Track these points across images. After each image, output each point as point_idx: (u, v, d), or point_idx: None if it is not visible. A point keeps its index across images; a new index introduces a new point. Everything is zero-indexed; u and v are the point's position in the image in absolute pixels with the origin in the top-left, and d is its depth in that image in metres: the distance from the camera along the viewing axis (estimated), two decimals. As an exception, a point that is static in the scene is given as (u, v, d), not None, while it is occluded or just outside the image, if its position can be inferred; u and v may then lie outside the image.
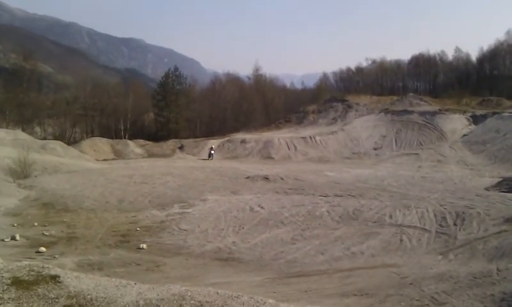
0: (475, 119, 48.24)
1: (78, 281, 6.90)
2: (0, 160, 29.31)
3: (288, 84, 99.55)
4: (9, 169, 27.96)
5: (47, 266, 7.48)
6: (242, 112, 68.65)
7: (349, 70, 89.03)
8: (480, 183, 26.78)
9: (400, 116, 51.75)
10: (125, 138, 57.82)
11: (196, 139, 55.30)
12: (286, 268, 12.79)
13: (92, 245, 14.83)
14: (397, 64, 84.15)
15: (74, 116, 61.47)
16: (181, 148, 50.80)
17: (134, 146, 50.67)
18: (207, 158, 44.77)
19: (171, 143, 53.05)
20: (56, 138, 52.88)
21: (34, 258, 12.26)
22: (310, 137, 49.55)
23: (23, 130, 51.93)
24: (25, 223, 17.51)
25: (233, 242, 15.27)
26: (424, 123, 49.07)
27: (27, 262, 7.81)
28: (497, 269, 11.22)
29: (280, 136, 51.10)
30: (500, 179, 26.33)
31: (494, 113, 48.06)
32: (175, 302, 6.27)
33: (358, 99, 64.62)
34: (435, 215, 17.38)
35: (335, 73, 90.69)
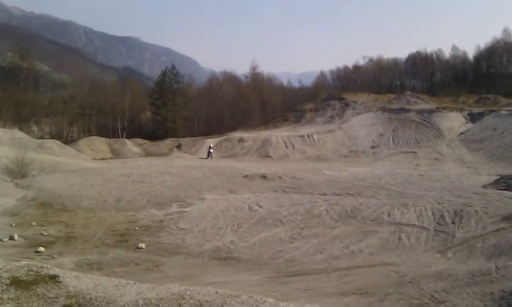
0: (472, 117, 48.33)
1: (77, 281, 6.89)
2: (-2, 159, 29.21)
3: (285, 83, 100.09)
4: (7, 168, 27.88)
5: (45, 266, 7.46)
6: (240, 111, 68.64)
7: (346, 68, 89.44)
8: (477, 181, 26.84)
9: (398, 114, 51.82)
10: (122, 137, 57.73)
11: (194, 138, 55.25)
12: (285, 267, 12.79)
13: (91, 244, 14.81)
14: (395, 63, 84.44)
15: (71, 115, 61.31)
16: (179, 147, 50.72)
17: (131, 145, 50.59)
18: (206, 157, 44.53)
19: (169, 142, 52.98)
20: (53, 137, 52.74)
21: (32, 258, 12.22)
22: (308, 136, 49.57)
23: (20, 129, 51.70)
24: (24, 223, 17.46)
25: (232, 241, 15.27)
26: (421, 121, 49.15)
27: (25, 262, 7.79)
28: (496, 267, 11.24)
29: (278, 135, 51.10)
30: (498, 177, 26.42)
31: (491, 111, 48.17)
32: (174, 301, 6.26)
33: (356, 97, 64.67)
34: (433, 213, 17.42)
35: (332, 72, 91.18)
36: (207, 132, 61.34)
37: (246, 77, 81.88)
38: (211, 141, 49.62)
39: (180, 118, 65.19)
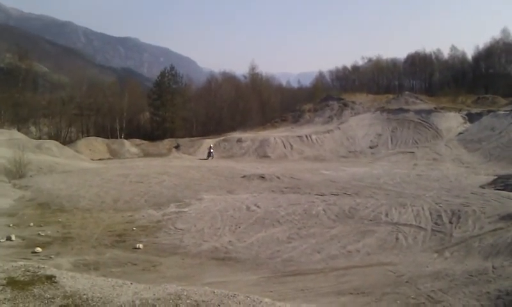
0: (471, 118, 48.40)
1: (74, 281, 6.90)
2: (-4, 160, 29.19)
3: (284, 83, 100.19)
4: (5, 169, 27.84)
5: (42, 266, 7.47)
6: (238, 111, 68.63)
7: (345, 68, 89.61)
8: (475, 181, 26.87)
9: (396, 115, 51.85)
10: (120, 137, 57.73)
11: (192, 139, 55.23)
12: (282, 267, 12.80)
13: (88, 245, 14.80)
14: (393, 63, 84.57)
15: (70, 115, 61.29)
16: (177, 147, 50.69)
17: (129, 146, 50.55)
18: (206, 158, 44.26)
19: (167, 142, 52.96)
20: (51, 138, 52.69)
21: (29, 259, 12.22)
22: (306, 136, 49.58)
23: (18, 129, 51.73)
24: (21, 223, 17.45)
25: (230, 241, 15.27)
26: (419, 121, 49.19)
27: (22, 262, 7.80)
28: (493, 267, 11.27)
29: (276, 135, 51.09)
30: (496, 177, 26.46)
31: (489, 111, 48.24)
32: (171, 301, 6.27)
33: (354, 98, 64.69)
34: (431, 213, 17.44)
35: (331, 72, 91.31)
36: (206, 133, 61.34)
37: (244, 77, 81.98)
38: (210, 142, 49.59)
39: (178, 118, 65.21)
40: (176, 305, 6.19)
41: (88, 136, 55.47)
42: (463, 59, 77.18)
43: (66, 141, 52.78)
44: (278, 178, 27.79)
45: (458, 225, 15.83)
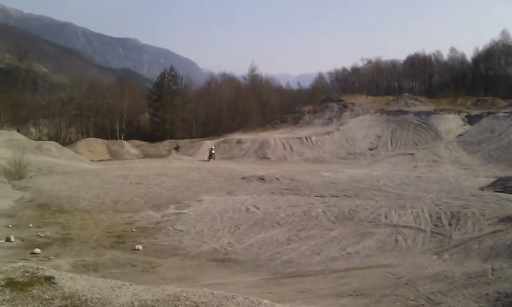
0: (470, 119, 48.42)
1: (73, 282, 6.90)
2: (-5, 161, 29.17)
3: (284, 85, 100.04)
4: (4, 170, 27.84)
5: (41, 267, 7.47)
6: (238, 113, 68.64)
7: (344, 70, 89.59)
8: (475, 183, 26.88)
9: (396, 116, 51.88)
10: (120, 138, 57.68)
11: (192, 140, 55.19)
12: (281, 269, 12.80)
13: (87, 246, 14.79)
14: (393, 65, 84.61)
15: (69, 116, 61.26)
16: (177, 148, 50.64)
17: (129, 147, 50.53)
18: (207, 159, 43.60)
19: (167, 144, 52.95)
20: (51, 139, 52.65)
21: (29, 259, 12.21)
22: (306, 138, 49.58)
23: (18, 130, 51.72)
24: (20, 224, 17.45)
25: (229, 243, 15.27)
26: (419, 123, 49.22)
27: (21, 263, 7.79)
28: (492, 269, 11.28)
29: (276, 136, 51.09)
30: (495, 179, 26.45)
31: (489, 113, 48.28)
32: (170, 302, 6.27)
33: (354, 99, 64.68)
34: (430, 215, 17.44)
35: (330, 74, 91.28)
36: (205, 134, 61.31)
37: (244, 78, 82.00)
38: (209, 143, 49.56)
39: (178, 119, 65.18)
40: (175, 306, 6.18)
41: (88, 137, 55.43)
42: (462, 60, 77.24)
43: (66, 142, 52.74)
44: (278, 179, 27.79)
45: (457, 227, 15.83)
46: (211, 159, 43.32)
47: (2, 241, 14.57)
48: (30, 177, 28.28)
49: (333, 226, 16.93)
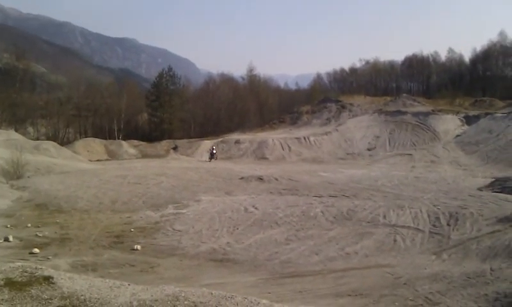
0: (468, 120, 48.52)
1: (71, 282, 6.88)
2: (-7, 160, 29.11)
3: (282, 85, 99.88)
4: (2, 169, 27.79)
5: (40, 267, 7.45)
6: (236, 113, 68.64)
7: (343, 70, 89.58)
8: (473, 183, 26.92)
9: (394, 117, 51.96)
10: (118, 138, 57.63)
11: (190, 140, 55.17)
12: (280, 269, 12.80)
13: (86, 246, 14.77)
14: (391, 65, 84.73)
15: (67, 116, 61.11)
16: (175, 148, 50.63)
17: (127, 147, 50.48)
18: (208, 159, 43.16)
19: (165, 144, 52.93)
20: (49, 138, 52.56)
21: (27, 259, 12.20)
22: (304, 138, 49.62)
23: (16, 130, 51.54)
24: (19, 224, 17.42)
25: (228, 243, 15.26)
26: (417, 123, 49.30)
27: (20, 263, 7.78)
28: (490, 269, 11.29)
29: (274, 137, 51.12)
30: (493, 179, 26.49)
31: (487, 114, 48.38)
32: (168, 302, 6.26)
33: (352, 100, 64.80)
34: (429, 216, 17.45)
35: (329, 74, 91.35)
36: (204, 134, 61.29)
37: (242, 78, 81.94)
38: (208, 143, 49.55)
39: (176, 119, 65.13)
40: (174, 306, 6.18)
41: (86, 137, 55.36)
42: (460, 61, 77.40)
43: (64, 142, 52.63)
44: (276, 179, 27.79)
45: (456, 227, 15.85)
46: (212, 159, 42.89)
47: (1, 241, 14.55)
48: (28, 177, 28.22)
49: (332, 226, 16.93)
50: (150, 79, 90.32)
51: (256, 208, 19.77)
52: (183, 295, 6.57)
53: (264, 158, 45.12)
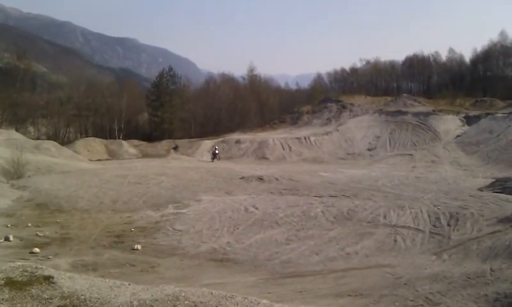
0: (469, 120, 48.50)
1: (72, 282, 6.88)
2: (-6, 160, 29.12)
3: (283, 85, 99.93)
4: (3, 169, 27.79)
5: (40, 267, 7.46)
6: (237, 113, 68.65)
7: (343, 70, 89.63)
8: (473, 183, 26.90)
9: (395, 117, 51.95)
10: (119, 138, 57.63)
11: (191, 140, 55.18)
12: (280, 269, 12.80)
13: (86, 246, 14.78)
14: (391, 65, 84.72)
15: (68, 115, 61.11)
16: (175, 148, 50.65)
17: (128, 146, 50.48)
18: (211, 160, 42.84)
19: (166, 143, 52.94)
20: (49, 138, 52.55)
21: (28, 259, 12.20)
22: (305, 138, 49.62)
23: (16, 130, 51.55)
24: (19, 224, 17.42)
25: (228, 243, 15.26)
26: (417, 123, 49.28)
27: (20, 263, 7.78)
28: (491, 269, 11.29)
29: (275, 137, 51.11)
30: (494, 180, 26.47)
31: (487, 114, 48.34)
32: (169, 302, 6.26)
33: (353, 100, 64.79)
34: (429, 216, 17.45)
35: (329, 74, 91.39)
36: (204, 134, 61.29)
37: (243, 78, 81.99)
38: (208, 143, 49.56)
39: (177, 119, 65.12)
40: (174, 306, 6.18)
41: (87, 137, 55.36)
42: (461, 61, 77.36)
43: (65, 142, 52.64)
44: (277, 179, 27.79)
45: (456, 227, 15.85)
46: (215, 160, 42.56)
47: (1, 240, 14.55)
48: (28, 176, 28.23)
49: (332, 226, 16.93)
50: (151, 79, 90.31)
51: (256, 208, 19.77)
52: (183, 294, 6.57)
53: (264, 158, 45.12)
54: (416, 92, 75.26)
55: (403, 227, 16.39)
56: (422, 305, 9.64)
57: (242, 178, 28.68)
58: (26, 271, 6.99)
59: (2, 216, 18.63)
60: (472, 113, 50.28)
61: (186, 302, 6.27)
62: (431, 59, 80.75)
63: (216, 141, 50.83)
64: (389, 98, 63.37)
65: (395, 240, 15.04)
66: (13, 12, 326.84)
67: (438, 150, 42.44)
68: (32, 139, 48.55)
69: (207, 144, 49.77)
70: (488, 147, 40.34)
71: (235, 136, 53.70)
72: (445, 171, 34.20)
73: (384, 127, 50.32)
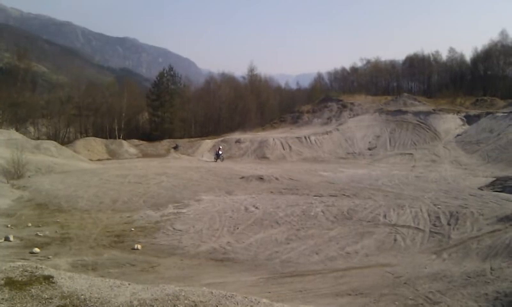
0: (469, 119, 48.48)
1: (72, 282, 6.89)
2: (-6, 160, 29.12)
3: (283, 84, 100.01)
4: (3, 169, 27.77)
5: (40, 266, 7.46)
6: (237, 112, 68.71)
7: (343, 70, 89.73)
8: (474, 182, 26.92)
9: (395, 116, 51.93)
10: (119, 138, 57.69)
11: (191, 139, 55.24)
12: (280, 268, 12.80)
13: (86, 245, 14.77)
14: (392, 65, 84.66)
15: (68, 115, 61.24)
16: (176, 148, 50.67)
17: (128, 146, 50.50)
18: (214, 160, 42.52)
19: (166, 143, 52.96)
20: (49, 138, 52.67)
21: (28, 259, 12.20)
22: (305, 137, 49.61)
23: (17, 129, 51.64)
24: (19, 224, 17.42)
25: (228, 242, 15.26)
26: (418, 123, 49.26)
27: (20, 263, 7.79)
28: (491, 268, 11.29)
29: (275, 136, 51.10)
30: (494, 179, 26.50)
31: (488, 113, 48.30)
32: (169, 302, 6.26)
33: (353, 99, 64.79)
34: (429, 215, 17.45)
35: (329, 73, 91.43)
36: (204, 133, 61.38)
37: (243, 78, 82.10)
38: (209, 142, 49.59)
39: (177, 119, 65.20)
40: (174, 305, 6.18)
41: (87, 136, 55.43)
42: (461, 61, 77.21)
43: (65, 141, 52.76)
44: (277, 179, 27.78)
45: (456, 226, 15.84)
46: (219, 160, 42.19)
47: (1, 240, 14.55)
48: (29, 176, 28.23)
49: (332, 226, 16.93)
50: (151, 79, 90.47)
51: (256, 208, 19.77)
52: (183, 294, 6.58)
53: (264, 157, 45.11)
54: (416, 91, 75.24)
55: (403, 226, 16.39)
56: (422, 304, 9.64)
57: (243, 177, 28.67)
58: (26, 271, 7.00)
59: (2, 216, 18.63)
60: (472, 112, 50.25)
61: (186, 302, 6.28)
62: (432, 58, 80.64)
63: (218, 140, 50.85)
64: (389, 98, 63.38)
65: (395, 239, 15.05)
66: (13, 12, 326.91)
67: (438, 149, 42.44)
68: (33, 139, 48.60)
69: (208, 143, 49.79)
70: (488, 146, 40.33)
71: (236, 136, 53.69)
72: (445, 170, 34.20)
73: (385, 126, 50.32)
